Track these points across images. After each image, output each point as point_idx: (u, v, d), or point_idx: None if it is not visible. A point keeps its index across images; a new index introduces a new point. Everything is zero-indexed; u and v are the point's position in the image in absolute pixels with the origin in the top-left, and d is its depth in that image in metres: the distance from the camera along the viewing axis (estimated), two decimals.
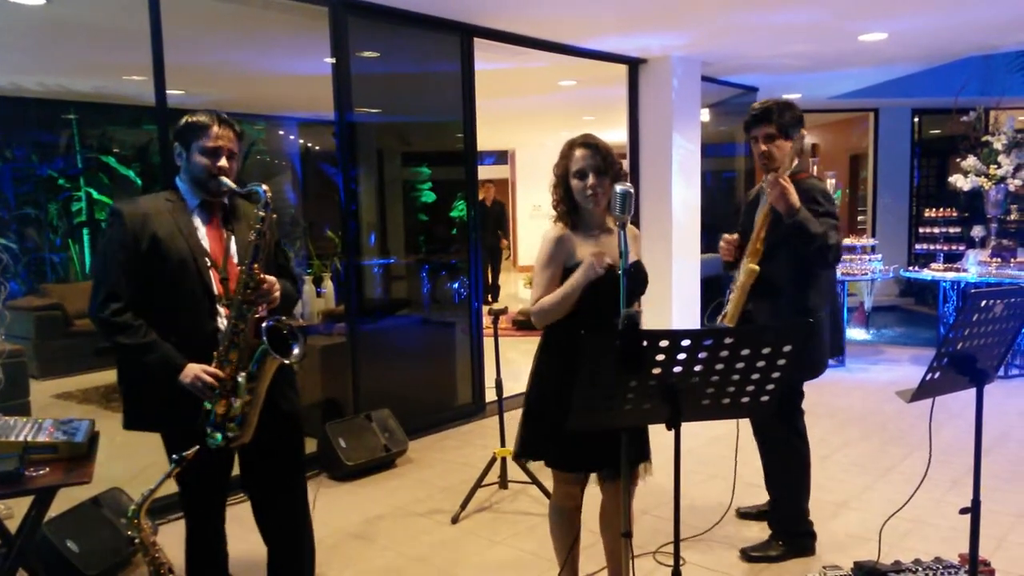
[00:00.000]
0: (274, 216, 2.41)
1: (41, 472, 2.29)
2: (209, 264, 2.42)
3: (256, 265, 2.35)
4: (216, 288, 2.41)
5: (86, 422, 2.52)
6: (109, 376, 6.93)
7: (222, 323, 2.40)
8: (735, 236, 3.26)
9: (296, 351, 2.39)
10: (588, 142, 2.54)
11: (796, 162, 3.18)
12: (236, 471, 2.63)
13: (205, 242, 2.44)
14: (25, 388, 5.35)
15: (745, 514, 3.72)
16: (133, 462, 4.61)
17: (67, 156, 8.32)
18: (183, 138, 2.45)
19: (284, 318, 2.43)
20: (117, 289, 2.33)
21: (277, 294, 2.43)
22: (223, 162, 2.42)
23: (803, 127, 3.19)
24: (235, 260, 2.47)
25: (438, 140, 6.07)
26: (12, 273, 7.92)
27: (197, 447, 2.21)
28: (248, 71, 6.82)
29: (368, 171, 5.43)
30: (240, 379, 2.33)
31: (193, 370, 2.32)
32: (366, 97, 4.94)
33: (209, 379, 2.31)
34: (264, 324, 2.37)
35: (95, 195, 8.49)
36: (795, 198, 2.93)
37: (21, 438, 2.35)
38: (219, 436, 2.33)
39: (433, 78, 5.49)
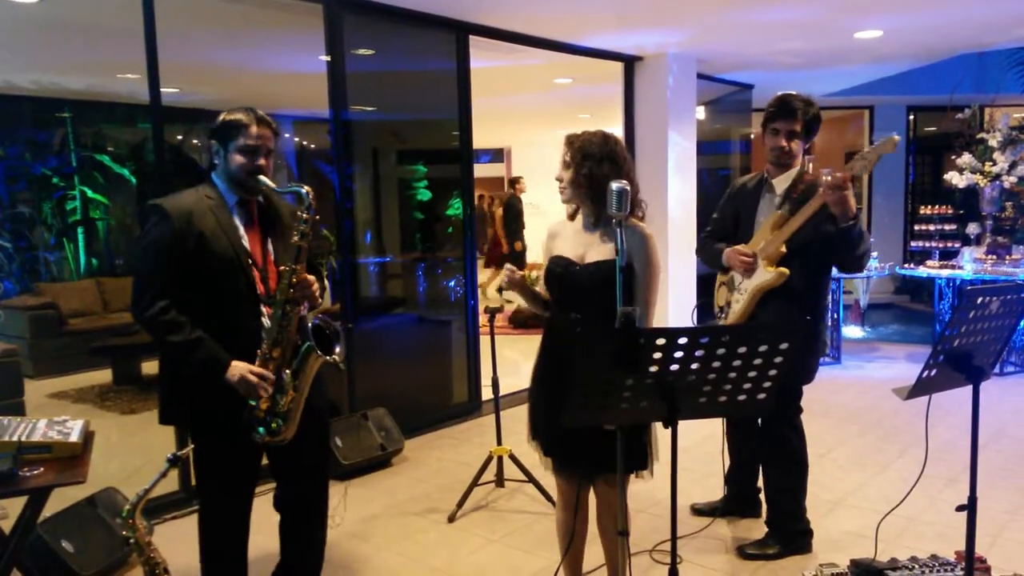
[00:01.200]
0: (316, 217, 2.42)
1: (35, 472, 2.27)
2: (251, 263, 2.44)
3: (299, 266, 2.38)
4: (258, 287, 2.44)
5: (80, 422, 2.51)
6: (104, 376, 6.93)
7: (265, 321, 2.43)
8: (750, 249, 3.15)
9: (338, 349, 2.41)
10: (567, 138, 2.57)
11: (799, 162, 3.16)
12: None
13: (246, 241, 2.46)
14: (19, 388, 5.33)
15: (699, 511, 3.73)
16: (128, 462, 4.61)
17: (61, 154, 8.29)
18: (221, 137, 2.45)
19: (323, 317, 2.47)
20: (163, 287, 2.35)
21: (319, 292, 2.46)
22: (261, 161, 2.43)
23: (818, 125, 3.15)
24: (273, 258, 2.50)
25: (434, 138, 6.05)
26: (6, 272, 7.89)
27: (191, 447, 2.21)
28: (243, 69, 6.80)
29: (363, 169, 5.41)
30: (285, 376, 2.37)
31: (239, 369, 2.34)
32: (361, 95, 4.92)
33: (255, 379, 2.33)
34: (310, 323, 2.40)
35: (89, 194, 8.46)
36: (854, 202, 2.85)
37: (15, 438, 2.34)
38: (262, 430, 2.37)
39: (429, 76, 5.48)
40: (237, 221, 2.47)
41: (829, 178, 2.86)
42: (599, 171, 2.47)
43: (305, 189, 2.39)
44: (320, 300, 2.49)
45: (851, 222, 2.85)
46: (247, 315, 2.42)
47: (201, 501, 2.60)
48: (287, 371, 2.38)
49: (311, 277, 2.44)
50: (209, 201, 2.45)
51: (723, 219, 3.41)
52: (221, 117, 2.46)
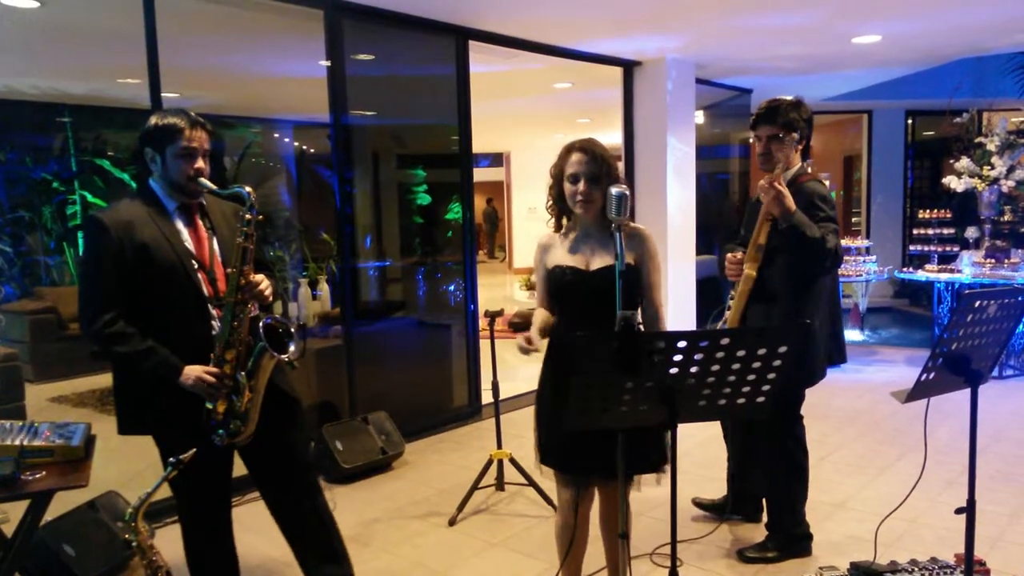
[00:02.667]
0: (260, 217, 2.41)
1: (37, 476, 2.28)
2: (197, 267, 2.42)
3: (247, 267, 2.37)
4: (206, 290, 2.43)
5: (82, 425, 2.51)
6: (104, 380, 6.91)
7: (215, 324, 2.41)
8: (739, 255, 3.19)
9: (292, 348, 2.40)
10: (586, 147, 2.52)
11: (797, 165, 3.16)
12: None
13: (190, 244, 2.44)
14: (20, 392, 5.34)
15: (700, 504, 3.79)
16: (129, 465, 4.61)
17: (61, 159, 8.30)
18: (155, 142, 2.40)
19: (276, 316, 2.45)
20: (107, 300, 2.33)
21: (269, 292, 2.44)
22: (200, 163, 2.40)
23: (810, 128, 3.16)
24: (220, 259, 2.48)
25: (433, 142, 6.07)
26: (6, 276, 7.90)
27: (194, 450, 2.21)
28: (243, 74, 6.81)
29: (363, 174, 5.43)
30: (240, 377, 2.36)
31: (194, 371, 2.34)
32: (361, 100, 4.94)
33: (212, 379, 2.33)
34: (261, 323, 2.38)
35: (90, 198, 8.46)
36: (790, 201, 2.88)
37: (17, 442, 2.35)
38: (222, 432, 2.36)
39: (428, 80, 5.49)
40: (179, 225, 2.45)
41: (763, 181, 2.92)
42: (615, 178, 2.49)
43: (247, 189, 2.36)
44: (270, 299, 2.46)
45: (788, 222, 2.88)
46: (197, 319, 2.41)
47: (178, 509, 2.59)
48: (242, 372, 2.37)
49: (259, 277, 2.42)
50: (148, 209, 2.41)
51: (743, 228, 3.44)
52: (153, 122, 2.41)
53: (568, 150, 2.55)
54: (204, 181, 2.39)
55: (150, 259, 2.35)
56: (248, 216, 2.36)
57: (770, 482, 3.34)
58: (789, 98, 3.16)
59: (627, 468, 2.28)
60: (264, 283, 2.43)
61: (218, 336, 2.37)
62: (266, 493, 2.68)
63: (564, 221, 2.64)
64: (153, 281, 2.36)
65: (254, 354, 2.37)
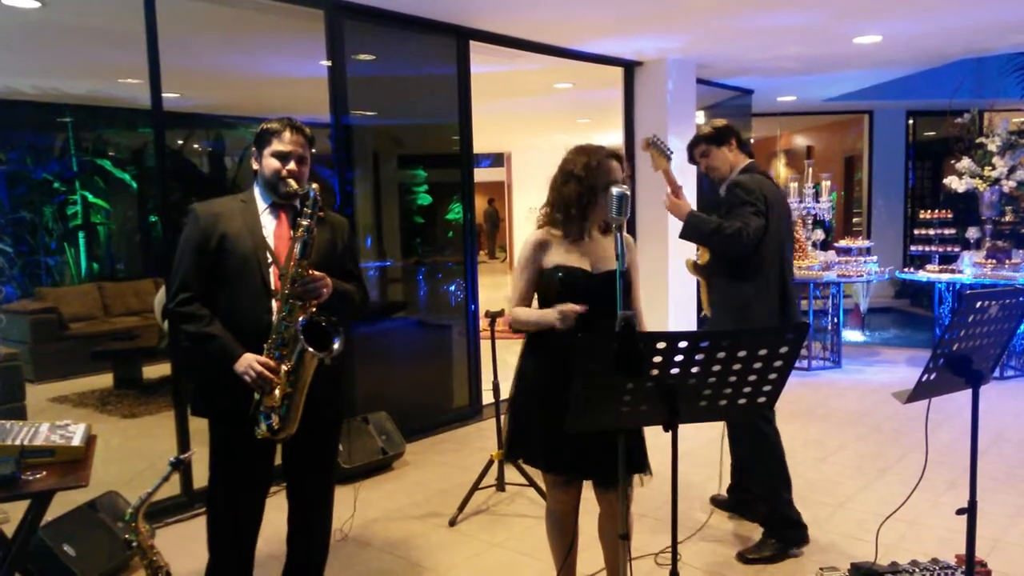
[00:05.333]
0: (321, 214, 2.48)
1: (37, 476, 2.28)
2: (270, 260, 2.50)
3: (304, 261, 2.41)
4: (274, 284, 2.49)
5: (82, 426, 2.51)
6: (105, 380, 6.94)
7: (274, 317, 2.46)
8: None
9: (336, 346, 2.41)
10: (619, 155, 2.56)
11: (741, 164, 3.47)
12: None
13: (271, 239, 2.53)
14: (21, 392, 5.34)
15: (717, 502, 3.85)
16: (130, 465, 4.62)
17: (62, 159, 8.31)
18: (258, 143, 2.58)
19: (318, 315, 2.43)
20: (187, 282, 2.48)
21: (326, 291, 2.47)
22: (292, 166, 2.52)
23: (729, 130, 3.53)
24: (297, 259, 2.51)
25: (434, 143, 6.07)
26: (8, 276, 7.90)
27: (192, 451, 2.22)
28: (244, 74, 6.82)
29: (364, 174, 5.42)
30: (284, 368, 2.40)
31: (247, 360, 2.39)
32: (362, 100, 4.94)
33: (260, 368, 2.37)
34: (300, 320, 2.39)
35: (90, 198, 8.47)
36: (679, 207, 3.40)
37: (17, 442, 2.34)
38: (265, 425, 2.39)
39: (429, 81, 5.49)
40: (266, 219, 2.56)
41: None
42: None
43: (314, 187, 2.46)
44: (325, 296, 2.48)
45: (685, 224, 3.36)
46: (261, 310, 2.48)
47: (210, 492, 2.61)
48: (287, 364, 2.40)
49: (318, 274, 2.45)
50: (241, 204, 2.56)
51: None
52: (261, 125, 2.58)
53: (606, 157, 2.53)
54: (291, 182, 2.49)
55: (229, 248, 2.48)
56: (308, 211, 2.41)
57: (750, 470, 3.45)
58: (702, 129, 3.64)
59: (610, 472, 2.27)
60: (322, 280, 2.45)
61: (273, 328, 2.43)
62: (288, 487, 2.74)
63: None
64: (229, 270, 2.49)
65: (296, 351, 2.40)
